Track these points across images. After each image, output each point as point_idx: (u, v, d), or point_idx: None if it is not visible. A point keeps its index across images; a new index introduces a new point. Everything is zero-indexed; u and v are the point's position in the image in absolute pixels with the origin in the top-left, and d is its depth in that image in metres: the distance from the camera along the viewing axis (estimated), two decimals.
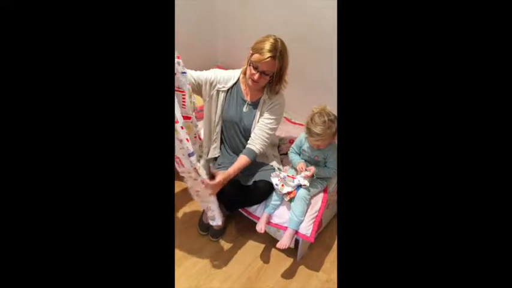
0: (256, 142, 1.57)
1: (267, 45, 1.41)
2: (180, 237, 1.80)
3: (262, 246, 1.78)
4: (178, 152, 1.36)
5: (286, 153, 1.90)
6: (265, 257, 1.73)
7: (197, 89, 1.61)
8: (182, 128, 1.27)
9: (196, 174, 1.37)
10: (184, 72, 1.36)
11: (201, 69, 2.46)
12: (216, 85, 1.60)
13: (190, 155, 1.30)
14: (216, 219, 1.59)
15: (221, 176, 1.46)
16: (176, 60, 1.31)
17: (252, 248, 1.77)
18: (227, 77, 1.62)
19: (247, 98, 1.61)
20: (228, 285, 1.59)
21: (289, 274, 1.66)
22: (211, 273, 1.65)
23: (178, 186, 2.11)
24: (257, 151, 1.56)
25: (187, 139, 1.28)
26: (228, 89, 1.61)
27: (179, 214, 1.95)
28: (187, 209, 1.98)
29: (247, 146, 1.58)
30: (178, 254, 1.72)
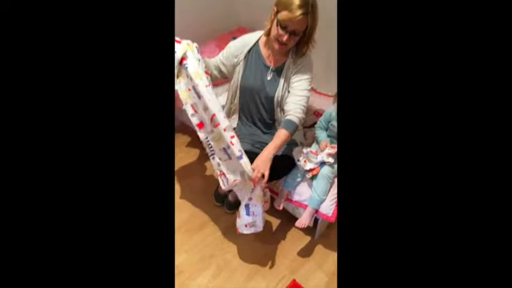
0: (294, 111, 1.36)
1: (297, 0, 1.23)
2: (197, 206, 1.76)
3: (279, 222, 1.72)
4: (221, 166, 1.32)
5: (310, 126, 1.77)
6: (281, 234, 1.67)
7: (221, 74, 1.54)
8: (225, 130, 1.22)
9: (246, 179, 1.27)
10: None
11: (221, 32, 2.33)
12: (232, 60, 1.48)
13: (239, 158, 1.23)
14: (257, 225, 1.40)
15: (265, 169, 1.26)
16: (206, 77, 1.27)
17: (269, 224, 1.70)
18: (240, 44, 1.47)
19: (271, 64, 1.45)
20: (241, 259, 1.55)
21: (306, 252, 1.60)
22: (226, 245, 1.61)
23: (194, 154, 2.05)
24: (297, 121, 1.36)
25: (231, 142, 1.22)
26: (245, 56, 1.46)
27: (197, 182, 1.89)
28: (206, 177, 1.92)
29: (285, 117, 1.38)
30: (195, 222, 1.70)
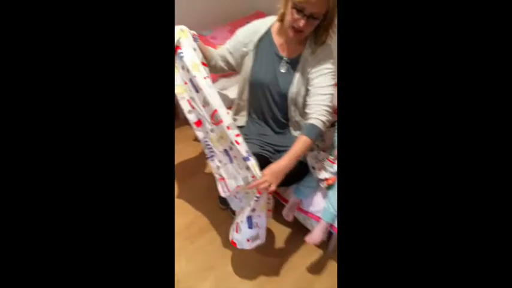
0: (318, 114, 1.16)
1: None
2: (199, 208, 1.62)
3: (288, 231, 1.55)
4: (221, 170, 1.18)
5: (329, 126, 1.57)
6: (290, 245, 1.50)
7: (228, 65, 1.34)
8: (229, 128, 1.06)
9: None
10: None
11: (236, 17, 2.14)
12: (240, 49, 1.28)
13: (245, 159, 1.06)
14: (261, 237, 1.25)
15: (274, 183, 1.10)
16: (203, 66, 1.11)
17: (276, 233, 1.54)
18: (250, 31, 1.27)
19: (284, 54, 1.25)
20: (243, 273, 1.40)
21: (316, 268, 1.43)
22: (227, 255, 1.46)
23: (198, 150, 1.90)
24: (321, 125, 1.16)
25: (237, 141, 1.05)
26: (255, 45, 1.27)
27: (200, 182, 1.75)
28: (210, 175, 1.77)
29: (307, 120, 1.19)
30: (195, 227, 1.55)
